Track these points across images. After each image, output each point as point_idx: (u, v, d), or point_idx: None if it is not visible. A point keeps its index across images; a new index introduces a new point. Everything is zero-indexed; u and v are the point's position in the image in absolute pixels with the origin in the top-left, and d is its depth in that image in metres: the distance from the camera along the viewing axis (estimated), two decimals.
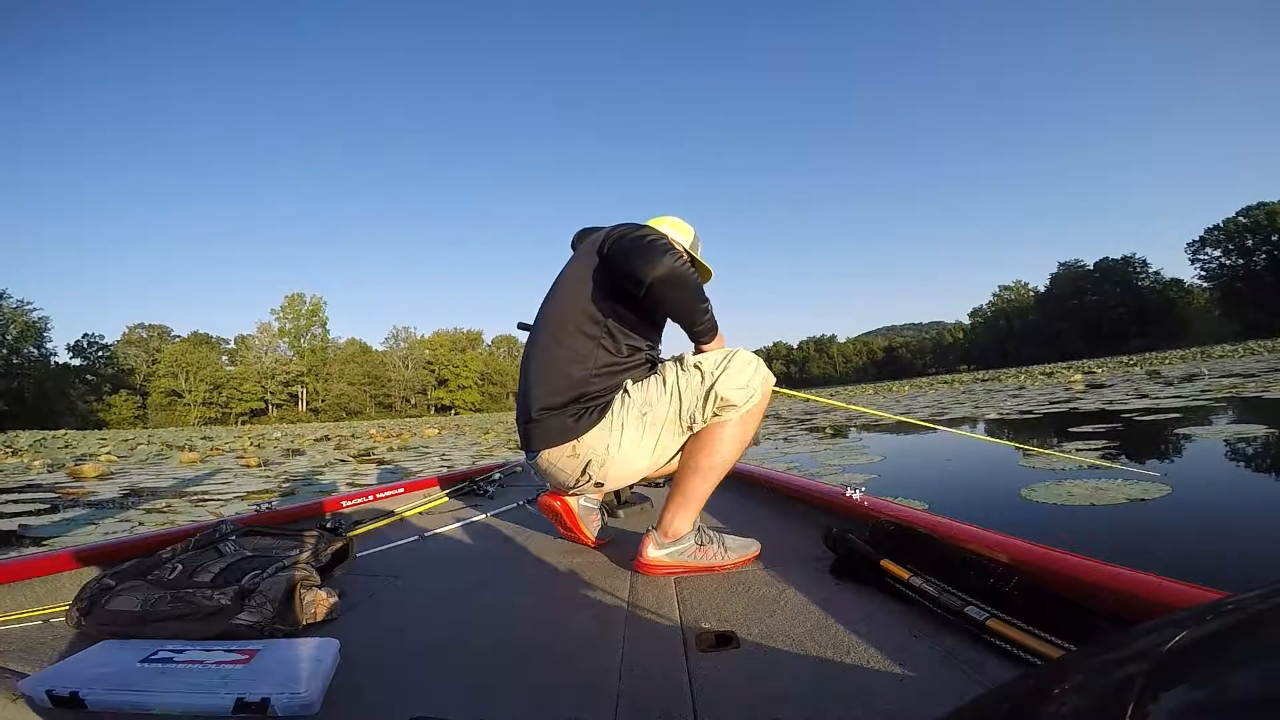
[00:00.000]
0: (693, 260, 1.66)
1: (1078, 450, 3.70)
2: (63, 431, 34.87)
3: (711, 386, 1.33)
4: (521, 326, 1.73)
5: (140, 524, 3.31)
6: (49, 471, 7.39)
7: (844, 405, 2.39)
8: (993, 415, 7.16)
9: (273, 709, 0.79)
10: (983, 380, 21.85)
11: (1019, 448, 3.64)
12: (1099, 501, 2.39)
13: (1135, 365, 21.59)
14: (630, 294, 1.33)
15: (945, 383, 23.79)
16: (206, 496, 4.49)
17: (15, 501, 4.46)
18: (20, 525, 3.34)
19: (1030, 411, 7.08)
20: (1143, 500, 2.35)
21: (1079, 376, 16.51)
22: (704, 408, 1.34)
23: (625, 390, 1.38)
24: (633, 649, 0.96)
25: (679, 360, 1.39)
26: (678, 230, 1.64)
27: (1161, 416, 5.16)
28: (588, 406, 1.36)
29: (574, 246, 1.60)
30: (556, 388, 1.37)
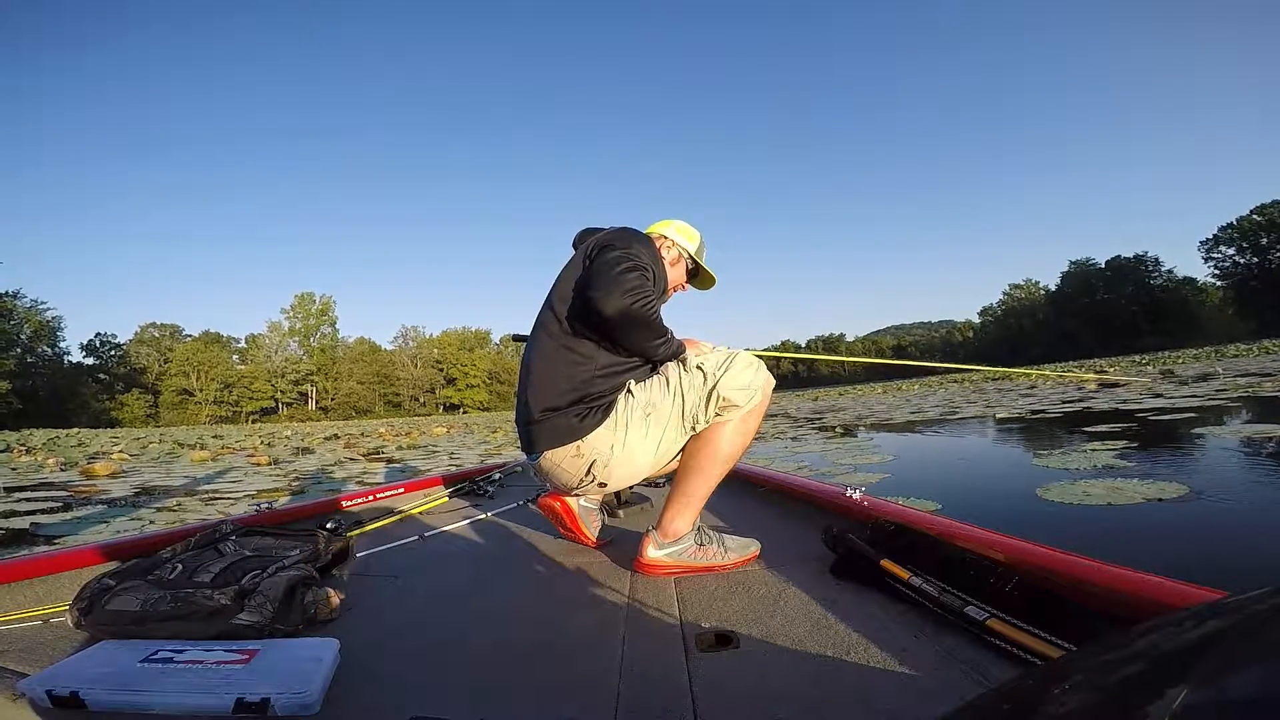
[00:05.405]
0: (696, 265, 1.65)
1: (1094, 450, 3.66)
2: (76, 430, 35.31)
3: (714, 387, 1.34)
4: (516, 338, 1.74)
5: (151, 523, 3.35)
6: (62, 470, 7.46)
7: (905, 363, 2.36)
8: (1003, 414, 7.09)
9: (273, 709, 0.79)
10: (993, 379, 21.68)
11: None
12: (1116, 501, 2.37)
13: (1148, 364, 21.35)
14: None
15: (955, 381, 23.65)
16: (217, 495, 4.53)
17: (28, 500, 4.51)
18: (32, 523, 3.37)
19: (1043, 410, 7.01)
20: (1160, 500, 2.32)
21: (1091, 375, 16.33)
22: (706, 408, 1.35)
23: (629, 390, 1.38)
24: (633, 649, 0.96)
25: (681, 361, 1.39)
26: (683, 235, 1.63)
27: (1177, 416, 5.09)
28: (592, 406, 1.36)
29: (575, 246, 1.59)
30: (560, 388, 1.37)
